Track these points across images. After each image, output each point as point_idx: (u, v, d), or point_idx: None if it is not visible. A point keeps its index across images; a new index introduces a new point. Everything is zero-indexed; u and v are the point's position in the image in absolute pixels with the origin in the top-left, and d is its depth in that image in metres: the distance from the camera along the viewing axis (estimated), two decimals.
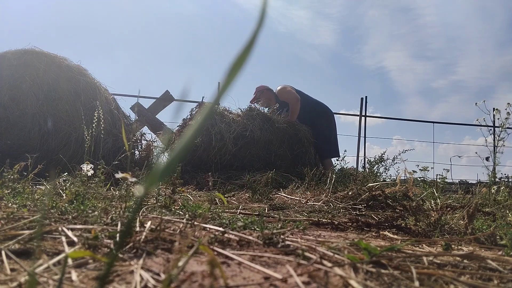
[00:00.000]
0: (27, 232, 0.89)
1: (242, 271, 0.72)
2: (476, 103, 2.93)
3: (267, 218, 1.54)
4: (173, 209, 1.48)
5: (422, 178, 2.92)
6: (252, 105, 4.77)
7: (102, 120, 2.65)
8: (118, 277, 0.66)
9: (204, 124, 0.30)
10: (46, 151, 4.00)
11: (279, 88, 4.95)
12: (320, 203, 2.23)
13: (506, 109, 2.82)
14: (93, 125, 2.35)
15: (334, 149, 4.95)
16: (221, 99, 0.31)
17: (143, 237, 0.89)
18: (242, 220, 1.18)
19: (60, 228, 0.94)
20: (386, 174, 4.19)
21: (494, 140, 2.90)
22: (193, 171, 4.06)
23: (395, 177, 3.93)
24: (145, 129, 5.08)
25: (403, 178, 2.78)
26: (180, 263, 0.65)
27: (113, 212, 1.14)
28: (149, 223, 1.00)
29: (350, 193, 2.30)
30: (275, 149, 4.49)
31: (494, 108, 2.96)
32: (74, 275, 0.65)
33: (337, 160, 4.51)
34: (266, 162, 4.32)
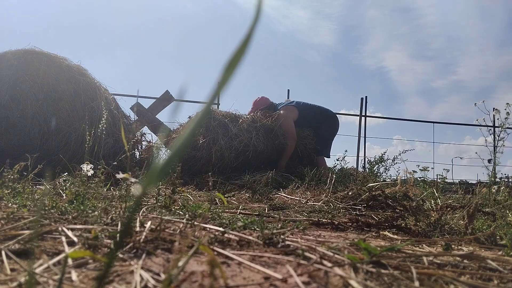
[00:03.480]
0: (27, 232, 0.89)
1: (242, 271, 0.72)
2: (475, 104, 2.93)
3: (267, 218, 1.54)
4: (173, 209, 1.48)
5: (422, 178, 2.93)
6: (254, 115, 4.69)
7: (104, 121, 2.65)
8: (118, 277, 0.66)
9: (201, 124, 0.30)
10: (46, 151, 4.00)
11: (281, 119, 4.63)
12: (320, 203, 2.23)
13: (505, 109, 2.82)
14: (100, 126, 2.35)
15: (327, 150, 5.04)
16: (220, 95, 0.31)
17: (143, 237, 0.89)
18: (242, 220, 1.18)
19: (60, 228, 0.94)
20: (386, 174, 4.20)
21: (494, 140, 2.90)
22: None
23: (395, 177, 3.94)
24: (145, 129, 5.08)
25: (403, 178, 2.78)
26: (180, 263, 0.65)
27: (113, 212, 1.14)
28: (149, 223, 1.00)
29: (350, 193, 2.30)
30: (275, 159, 4.55)
31: (494, 108, 2.97)
32: (74, 275, 0.65)
33: (337, 160, 4.53)
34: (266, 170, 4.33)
